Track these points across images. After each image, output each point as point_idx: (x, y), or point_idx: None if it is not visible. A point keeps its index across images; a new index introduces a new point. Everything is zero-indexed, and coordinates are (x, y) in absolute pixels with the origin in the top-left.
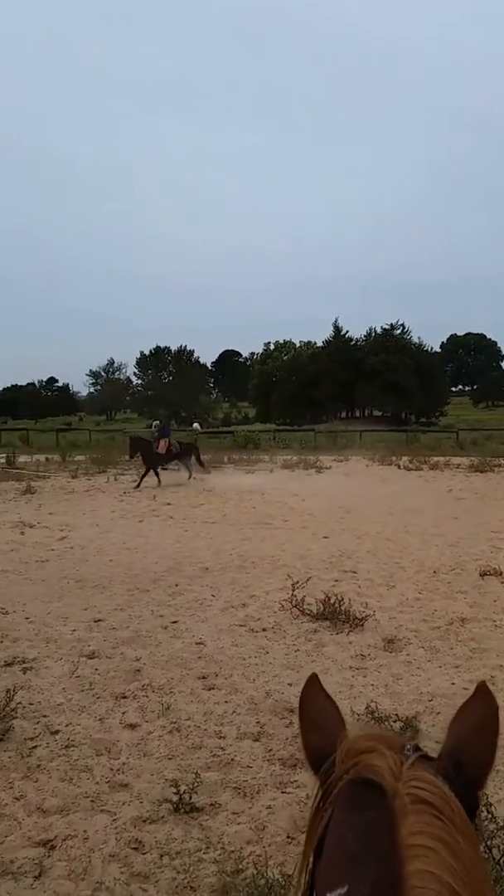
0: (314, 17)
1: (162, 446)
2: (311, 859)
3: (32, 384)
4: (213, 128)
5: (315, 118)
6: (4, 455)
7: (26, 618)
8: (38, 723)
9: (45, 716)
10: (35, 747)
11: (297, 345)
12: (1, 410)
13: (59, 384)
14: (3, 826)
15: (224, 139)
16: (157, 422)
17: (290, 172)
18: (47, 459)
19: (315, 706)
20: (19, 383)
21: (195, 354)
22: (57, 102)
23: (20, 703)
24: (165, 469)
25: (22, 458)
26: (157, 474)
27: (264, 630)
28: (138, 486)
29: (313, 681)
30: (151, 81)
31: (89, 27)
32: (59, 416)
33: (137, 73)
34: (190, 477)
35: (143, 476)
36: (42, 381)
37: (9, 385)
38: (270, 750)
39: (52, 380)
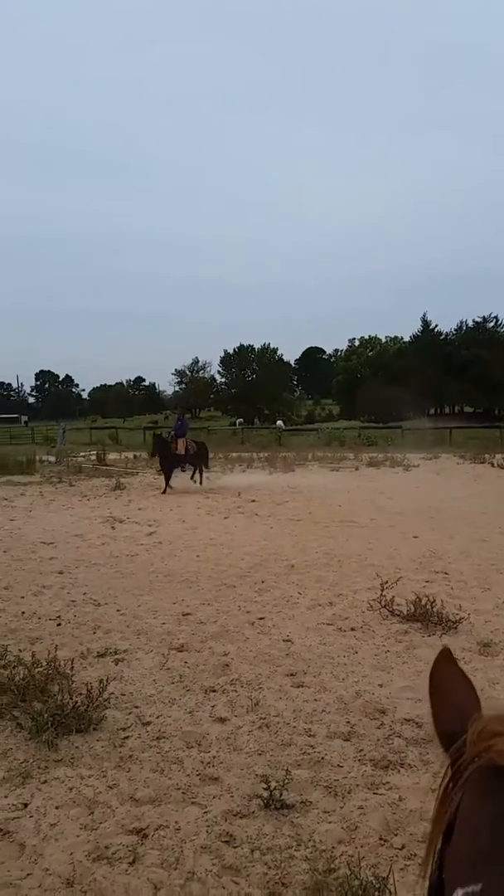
0: (375, 15)
1: (181, 446)
2: (438, 844)
3: (120, 383)
4: (279, 125)
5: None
6: (95, 452)
7: (118, 610)
8: (129, 713)
9: (136, 706)
10: (127, 738)
11: (383, 340)
12: (91, 409)
13: (146, 383)
14: (97, 813)
15: (288, 136)
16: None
17: (356, 167)
18: (135, 457)
19: (447, 681)
20: (108, 383)
21: (279, 352)
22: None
23: (112, 693)
24: (184, 470)
25: (111, 456)
26: (167, 478)
27: (353, 630)
28: (165, 490)
29: (445, 655)
30: (214, 83)
31: (151, 31)
32: (146, 414)
33: (197, 75)
34: (196, 478)
35: (167, 478)
36: (130, 380)
37: (98, 385)
38: (361, 750)
39: (140, 379)
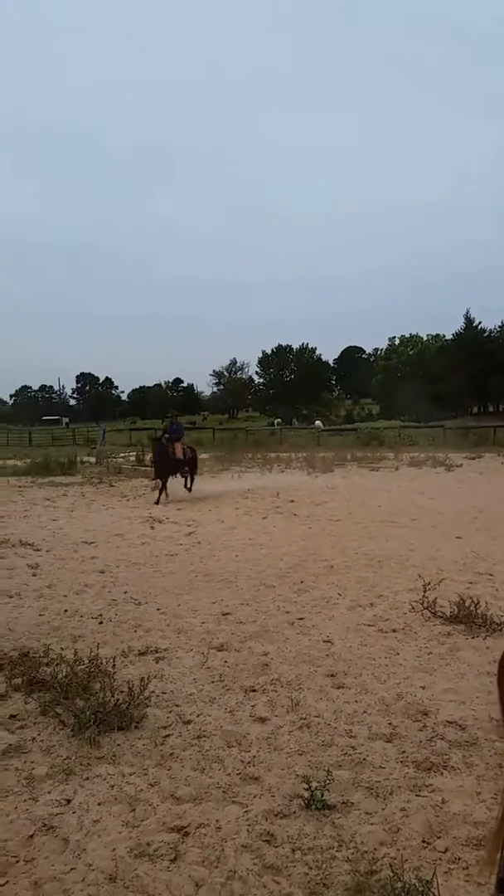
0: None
1: (179, 451)
2: None
3: (159, 385)
4: (310, 116)
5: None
6: (134, 453)
7: (157, 609)
8: (170, 712)
9: (177, 705)
10: (168, 736)
11: (425, 338)
12: (130, 411)
13: (184, 384)
14: (139, 810)
15: (321, 128)
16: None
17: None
18: None
19: None
20: (147, 384)
21: (317, 352)
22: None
23: (153, 691)
24: (183, 476)
25: (150, 457)
26: (164, 485)
27: (394, 631)
28: (158, 500)
29: None
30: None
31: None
32: (184, 415)
33: (239, 65)
34: (187, 486)
35: (164, 485)
36: (168, 381)
37: (137, 387)
38: (404, 752)
39: (178, 380)
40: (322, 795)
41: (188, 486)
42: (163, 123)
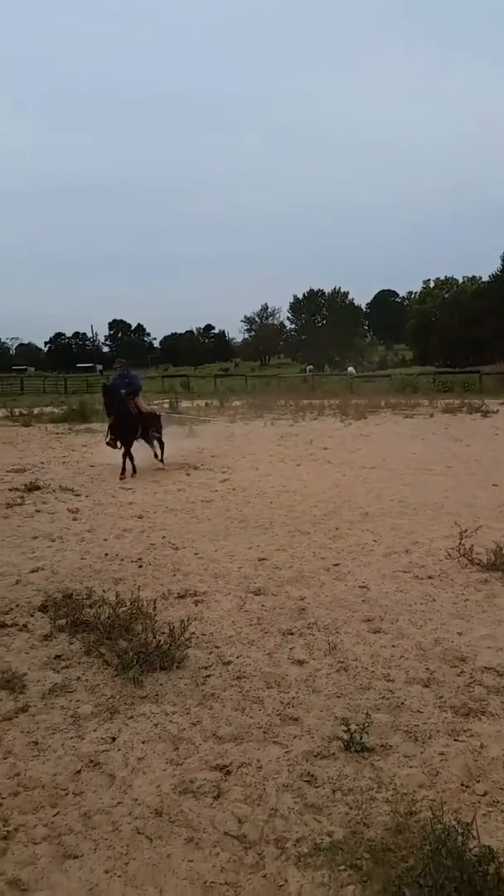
0: None
1: (142, 406)
2: None
3: (191, 332)
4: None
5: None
6: (168, 400)
7: (195, 553)
8: (210, 653)
9: (217, 647)
10: (209, 676)
11: (461, 281)
12: (163, 358)
13: (216, 331)
14: (182, 749)
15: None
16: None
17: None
18: (207, 404)
19: None
20: (178, 331)
21: (349, 296)
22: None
23: (193, 633)
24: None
25: (183, 404)
26: (129, 452)
27: (430, 577)
28: (124, 473)
29: None
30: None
31: None
32: (216, 362)
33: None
34: (157, 452)
35: (128, 451)
36: (199, 328)
37: (169, 333)
38: (441, 697)
39: (209, 327)
40: (361, 738)
41: (159, 455)
42: (186, 71)
